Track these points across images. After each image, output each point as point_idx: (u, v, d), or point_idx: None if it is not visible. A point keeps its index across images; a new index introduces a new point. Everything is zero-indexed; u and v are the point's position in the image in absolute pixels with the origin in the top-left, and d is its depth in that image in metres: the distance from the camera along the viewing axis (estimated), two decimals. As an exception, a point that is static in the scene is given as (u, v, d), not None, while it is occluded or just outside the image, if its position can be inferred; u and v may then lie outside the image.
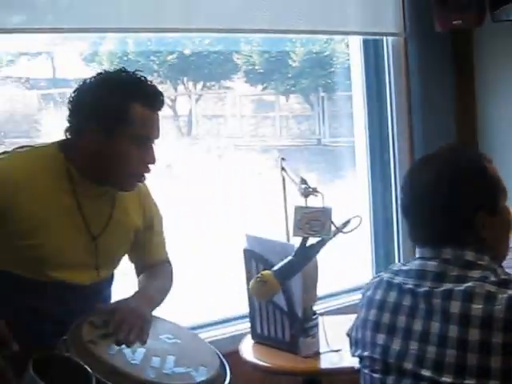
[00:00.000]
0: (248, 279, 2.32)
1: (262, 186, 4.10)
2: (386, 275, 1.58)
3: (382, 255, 3.11)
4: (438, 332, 1.41)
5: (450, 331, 1.39)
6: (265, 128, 4.25)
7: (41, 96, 3.74)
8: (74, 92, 1.75)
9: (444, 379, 1.38)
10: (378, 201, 3.07)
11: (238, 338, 2.45)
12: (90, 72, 3.71)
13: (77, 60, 3.77)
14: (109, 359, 1.55)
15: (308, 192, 2.06)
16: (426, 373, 1.41)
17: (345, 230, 2.07)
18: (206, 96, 4.26)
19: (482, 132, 3.34)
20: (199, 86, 4.18)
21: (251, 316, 2.38)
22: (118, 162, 1.72)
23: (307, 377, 2.29)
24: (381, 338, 1.52)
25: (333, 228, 2.04)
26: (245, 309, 2.67)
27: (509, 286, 1.40)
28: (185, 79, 3.80)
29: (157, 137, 1.78)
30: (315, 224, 2.03)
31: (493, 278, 1.42)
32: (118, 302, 1.80)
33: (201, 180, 3.91)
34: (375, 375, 1.53)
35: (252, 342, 2.39)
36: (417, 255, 1.55)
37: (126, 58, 3.55)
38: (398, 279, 1.53)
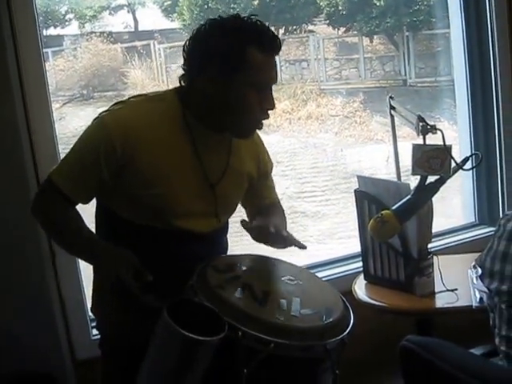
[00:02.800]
0: (360, 220, 2.31)
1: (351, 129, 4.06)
2: None
3: (485, 197, 3.05)
4: None
5: None
6: (349, 70, 4.19)
7: (125, 49, 3.77)
8: (189, 40, 1.71)
9: None
10: (480, 141, 2.98)
11: (349, 279, 2.45)
12: (170, 23, 3.73)
13: (157, 12, 3.78)
14: (238, 303, 1.56)
15: (426, 130, 2.02)
16: None
17: (465, 167, 2.03)
18: (288, 41, 4.21)
19: None
20: (281, 30, 4.13)
21: (364, 256, 2.36)
22: (237, 109, 1.69)
23: (422, 316, 2.29)
24: None
25: (452, 165, 2.01)
26: (351, 249, 2.68)
27: None
28: (267, 24, 3.77)
29: (275, 82, 1.72)
30: (434, 162, 2.00)
31: None
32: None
33: (289, 125, 3.89)
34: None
35: (364, 282, 2.38)
36: None
37: (206, 7, 3.52)
38: None
